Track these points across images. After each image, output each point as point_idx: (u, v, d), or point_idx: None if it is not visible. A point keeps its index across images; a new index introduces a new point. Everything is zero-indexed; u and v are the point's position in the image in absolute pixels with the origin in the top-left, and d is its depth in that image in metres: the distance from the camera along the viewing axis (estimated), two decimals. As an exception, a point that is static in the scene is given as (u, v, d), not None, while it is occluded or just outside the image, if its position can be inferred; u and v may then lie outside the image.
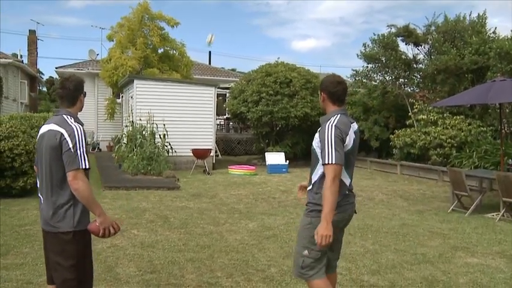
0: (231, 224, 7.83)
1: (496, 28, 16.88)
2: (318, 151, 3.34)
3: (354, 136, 3.40)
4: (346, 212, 3.46)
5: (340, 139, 3.25)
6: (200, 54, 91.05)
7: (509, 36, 14.03)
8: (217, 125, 25.33)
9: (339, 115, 3.38)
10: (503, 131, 14.40)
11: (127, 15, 20.00)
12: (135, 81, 15.29)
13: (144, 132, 14.29)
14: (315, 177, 3.44)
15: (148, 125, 14.36)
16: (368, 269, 5.56)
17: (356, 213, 3.68)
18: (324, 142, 3.23)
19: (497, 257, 6.25)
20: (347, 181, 3.43)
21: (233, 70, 38.45)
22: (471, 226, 8.01)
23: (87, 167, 3.12)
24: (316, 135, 3.40)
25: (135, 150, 13.79)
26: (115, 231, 3.25)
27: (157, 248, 6.22)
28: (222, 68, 36.81)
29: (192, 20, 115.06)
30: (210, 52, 42.11)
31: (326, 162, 3.19)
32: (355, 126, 3.48)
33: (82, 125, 3.28)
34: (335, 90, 3.47)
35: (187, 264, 5.57)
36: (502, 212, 8.67)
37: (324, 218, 3.17)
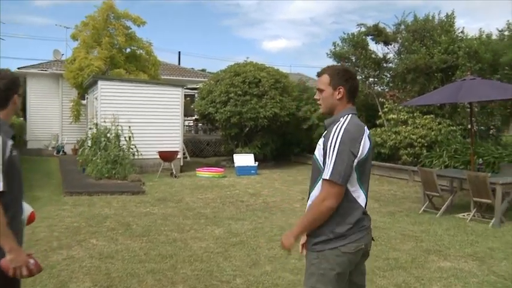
0: (196, 230, 7.48)
1: (464, 28, 16.99)
2: (321, 161, 2.68)
3: (369, 142, 2.72)
4: (360, 241, 2.71)
5: (349, 148, 2.58)
6: (170, 54, 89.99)
7: (477, 36, 14.07)
8: (186, 126, 24.95)
9: (350, 115, 2.71)
10: (472, 130, 14.47)
11: (91, 13, 19.40)
12: (99, 82, 14.78)
13: (108, 135, 13.80)
14: (314, 193, 2.74)
15: (113, 127, 13.88)
16: (338, 277, 5.29)
17: (374, 240, 2.92)
18: (327, 150, 2.60)
19: (469, 259, 6.09)
20: (362, 200, 2.71)
21: (203, 71, 38.04)
22: (443, 227, 7.86)
23: (1, 189, 2.51)
24: (320, 141, 2.73)
25: (99, 153, 13.29)
26: (30, 273, 2.62)
27: (116, 259, 5.84)
28: (192, 68, 36.37)
29: (162, 21, 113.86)
30: (179, 53, 41.85)
31: (324, 176, 2.58)
32: (367, 130, 2.78)
33: (9, 134, 2.69)
34: (354, 83, 2.83)
35: (147, 276, 5.22)
36: (473, 212, 8.58)
37: (293, 230, 2.79)
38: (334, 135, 2.60)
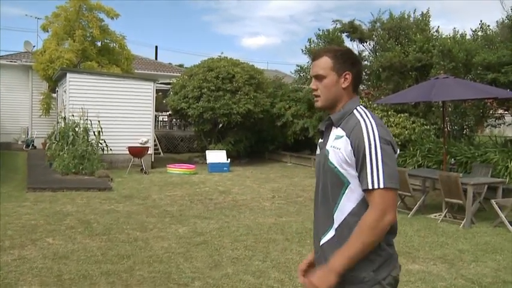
0: (160, 229, 7.20)
1: (439, 27, 16.98)
2: (346, 169, 2.03)
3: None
4: (397, 268, 2.11)
5: (391, 144, 2.03)
6: (148, 49, 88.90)
7: (451, 35, 14.04)
8: (161, 121, 24.59)
9: (363, 108, 2.16)
10: (445, 129, 14.43)
11: (63, 4, 18.88)
12: (68, 75, 14.35)
13: (77, 129, 13.40)
14: (339, 217, 2.07)
15: (82, 121, 13.48)
16: (302, 280, 5.07)
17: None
18: (366, 151, 1.97)
19: (438, 262, 5.94)
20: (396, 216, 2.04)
21: (181, 66, 37.61)
22: (414, 228, 7.72)
23: None
24: (336, 142, 2.07)
25: (66, 148, 12.89)
26: None
27: (71, 260, 5.53)
28: (170, 63, 35.93)
29: (140, 15, 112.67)
30: (156, 47, 41.22)
31: (372, 185, 1.95)
32: None
33: None
34: (360, 68, 2.25)
35: (101, 278, 4.93)
36: (444, 212, 8.49)
37: (335, 265, 1.97)
38: (368, 128, 2.00)
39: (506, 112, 14.24)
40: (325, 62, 2.15)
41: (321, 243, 2.15)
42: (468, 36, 14.24)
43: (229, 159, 15.04)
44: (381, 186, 1.93)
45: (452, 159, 9.98)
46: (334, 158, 2.05)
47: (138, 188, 11.09)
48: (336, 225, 2.07)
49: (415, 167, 11.94)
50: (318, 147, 2.29)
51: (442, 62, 12.73)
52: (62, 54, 17.59)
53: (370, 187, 1.94)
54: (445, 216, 8.46)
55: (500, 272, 5.63)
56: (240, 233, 7.07)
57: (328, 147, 2.10)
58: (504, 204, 8.11)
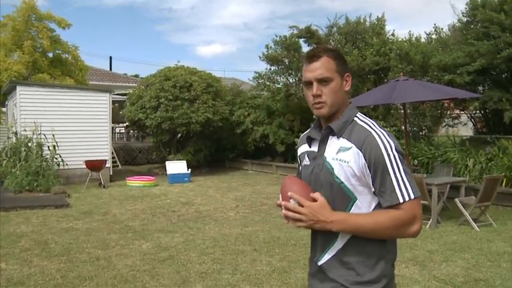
0: (123, 246, 6.87)
1: (394, 30, 17.23)
2: (354, 184, 1.87)
3: None
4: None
5: (403, 155, 1.90)
6: (102, 60, 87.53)
7: (407, 39, 14.25)
8: (118, 133, 24.04)
9: (367, 117, 2.01)
10: (406, 131, 14.60)
11: (10, 13, 18.21)
12: (18, 88, 13.76)
13: (30, 144, 12.85)
14: (345, 235, 1.90)
15: (35, 136, 12.94)
16: (275, 292, 4.90)
17: None
18: (386, 164, 1.82)
19: (410, 264, 5.88)
20: None
21: (136, 76, 37.08)
22: (381, 231, 7.65)
23: None
24: (343, 155, 1.89)
25: (18, 164, 12.32)
26: None
27: (27, 286, 5.16)
28: (125, 74, 35.32)
29: (93, 25, 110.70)
30: (110, 58, 40.54)
31: (402, 199, 1.80)
32: None
33: None
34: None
35: (62, 303, 4.61)
36: (411, 214, 8.45)
37: (337, 215, 1.84)
38: (384, 141, 1.84)
39: (462, 112, 14.54)
40: (328, 63, 1.92)
41: (319, 262, 1.98)
42: (423, 40, 14.52)
43: (189, 170, 14.75)
44: (412, 197, 1.80)
45: (415, 160, 10.05)
46: (341, 173, 1.87)
47: (97, 203, 10.68)
48: (345, 237, 1.89)
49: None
50: (305, 156, 2.08)
51: (399, 65, 12.88)
52: (10, 66, 16.95)
53: (401, 201, 1.80)
54: (411, 217, 8.45)
55: (470, 270, 5.62)
56: (207, 245, 6.83)
57: (330, 159, 1.91)
58: (467, 202, 8.19)
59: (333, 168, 1.89)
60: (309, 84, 1.95)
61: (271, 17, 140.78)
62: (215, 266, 5.83)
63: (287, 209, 1.86)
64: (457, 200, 8.24)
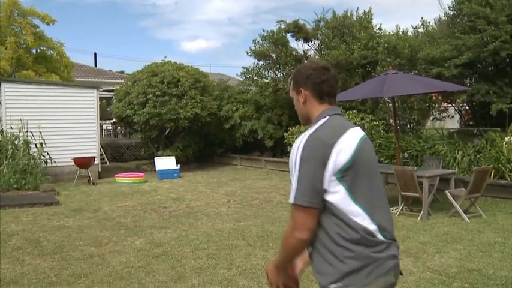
0: (116, 242, 6.84)
1: (381, 24, 17.31)
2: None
3: (355, 146, 2.04)
4: (381, 278, 2.02)
5: (315, 159, 1.98)
6: (86, 56, 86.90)
7: (395, 32, 14.32)
8: (105, 130, 23.87)
9: (326, 118, 2.12)
10: (396, 124, 14.70)
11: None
12: (3, 85, 13.57)
13: (16, 142, 12.71)
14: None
15: (22, 134, 12.80)
16: (272, 286, 4.90)
17: (402, 275, 2.19)
18: (293, 167, 2.02)
19: (403, 256, 5.91)
20: (358, 217, 1.99)
21: (121, 72, 36.80)
22: (373, 224, 7.69)
23: None
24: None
25: (5, 162, 12.18)
26: None
27: (20, 284, 5.11)
28: (110, 70, 35.06)
29: (76, 21, 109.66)
30: (95, 54, 40.21)
31: (290, 200, 2.00)
32: (355, 131, 2.13)
33: None
34: (323, 79, 2.18)
35: (57, 301, 4.58)
36: (401, 206, 8.55)
37: (274, 261, 2.20)
38: (298, 145, 2.03)
39: (450, 105, 14.67)
40: (291, 86, 2.28)
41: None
42: (410, 33, 14.60)
43: (179, 165, 14.71)
44: (292, 202, 1.99)
45: (406, 154, 10.11)
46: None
47: (87, 200, 10.60)
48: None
49: (367, 163, 12.04)
50: None
51: (387, 58, 12.94)
52: (-7, 62, 16.71)
53: (291, 202, 2.00)
54: (402, 209, 8.53)
55: (463, 261, 5.69)
56: (200, 241, 6.82)
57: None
58: (457, 194, 8.29)
59: None
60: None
61: (255, 12, 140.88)
62: (210, 261, 5.83)
63: None
64: (447, 192, 8.34)
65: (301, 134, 2.10)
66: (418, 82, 8.89)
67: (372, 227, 2.01)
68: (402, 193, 8.44)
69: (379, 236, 2.04)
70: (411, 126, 14.49)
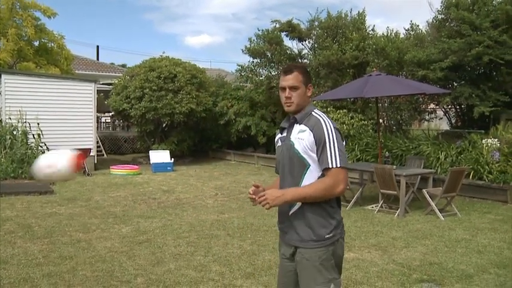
0: (103, 229, 7.22)
1: (374, 26, 17.61)
2: (305, 154, 2.67)
3: None
4: (343, 231, 2.84)
5: (341, 136, 2.70)
6: (89, 49, 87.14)
7: (385, 34, 14.61)
8: (103, 122, 24.23)
9: (315, 109, 2.81)
10: (382, 124, 15.01)
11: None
12: (3, 76, 13.94)
13: (14, 132, 13.08)
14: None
15: (20, 124, 13.18)
16: (243, 272, 5.27)
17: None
18: (326, 140, 2.61)
19: (373, 249, 6.27)
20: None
21: (123, 66, 37.05)
22: (351, 219, 8.05)
23: None
24: (302, 134, 2.69)
25: (3, 152, 12.57)
26: None
27: (10, 264, 5.49)
28: (112, 63, 35.33)
29: (81, 14, 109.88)
30: (97, 47, 40.39)
31: (331, 164, 2.58)
32: None
33: None
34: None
35: (43, 280, 4.94)
36: (381, 203, 8.87)
37: (286, 195, 2.62)
38: (327, 125, 2.65)
39: (437, 107, 14.98)
40: (297, 76, 2.75)
41: (290, 213, 2.74)
42: (402, 35, 14.89)
43: (172, 159, 15.08)
44: (338, 165, 2.59)
45: (387, 152, 10.43)
46: (299, 147, 2.68)
47: (81, 190, 10.98)
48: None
49: (353, 161, 12.39)
50: (278, 140, 2.91)
51: (376, 59, 13.25)
52: (-6, 54, 17.06)
53: (330, 166, 2.59)
54: (381, 207, 8.85)
55: (427, 255, 6.02)
56: (183, 230, 7.20)
57: (292, 138, 2.72)
58: (434, 193, 8.59)
59: (293, 143, 2.71)
60: (283, 89, 2.78)
61: (259, 8, 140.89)
62: (189, 248, 6.20)
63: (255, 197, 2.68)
64: (424, 190, 8.67)
65: (317, 117, 2.71)
66: (399, 84, 9.22)
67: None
68: (381, 191, 8.77)
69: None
70: (399, 126, 14.81)
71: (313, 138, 2.64)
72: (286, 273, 2.86)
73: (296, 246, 2.75)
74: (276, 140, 2.96)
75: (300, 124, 2.73)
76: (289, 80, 2.75)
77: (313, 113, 2.75)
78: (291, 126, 2.78)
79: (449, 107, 14.58)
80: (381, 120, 14.92)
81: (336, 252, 2.75)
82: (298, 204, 2.69)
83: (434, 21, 13.70)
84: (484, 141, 10.31)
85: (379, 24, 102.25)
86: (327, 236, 2.68)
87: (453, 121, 15.15)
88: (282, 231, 2.88)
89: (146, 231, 7.12)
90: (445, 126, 17.86)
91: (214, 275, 5.16)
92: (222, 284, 4.89)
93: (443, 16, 13.20)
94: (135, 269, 5.34)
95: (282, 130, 2.89)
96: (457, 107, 14.21)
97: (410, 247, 6.41)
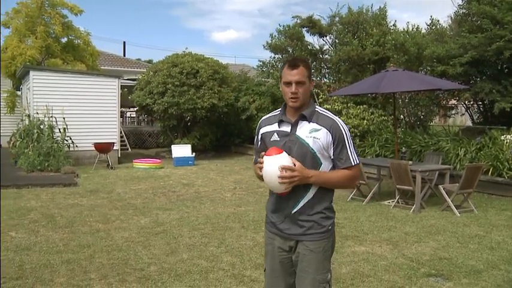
0: (122, 220, 7.47)
1: (395, 21, 17.51)
2: (323, 154, 2.72)
3: None
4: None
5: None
6: (117, 45, 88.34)
7: (405, 29, 14.54)
8: (128, 117, 24.68)
9: (316, 105, 2.87)
10: (403, 119, 14.97)
11: (24, 0, 18.75)
12: (31, 72, 14.38)
13: (42, 126, 13.49)
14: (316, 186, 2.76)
15: (47, 119, 13.58)
16: (253, 263, 5.42)
17: None
18: (345, 139, 2.72)
19: (384, 244, 6.34)
20: None
21: (149, 62, 37.51)
22: (366, 214, 8.12)
23: None
24: (315, 134, 2.70)
25: (31, 145, 12.98)
26: None
27: (33, 251, 5.76)
28: (138, 59, 35.78)
29: (108, 11, 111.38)
30: (124, 43, 41.01)
31: (352, 162, 2.73)
32: None
33: None
34: None
35: (61, 266, 5.19)
36: (397, 198, 8.90)
37: (310, 175, 2.65)
38: (342, 126, 2.73)
39: (458, 103, 14.84)
40: (303, 71, 2.72)
41: (293, 212, 2.74)
42: (424, 30, 14.79)
43: (194, 153, 15.32)
44: (357, 162, 2.76)
45: (403, 148, 10.43)
46: (314, 146, 2.68)
47: (103, 182, 11.29)
48: (315, 189, 2.73)
49: (373, 157, 12.42)
50: (274, 134, 2.82)
51: (395, 55, 13.21)
52: (24, 51, 17.55)
53: (353, 164, 2.73)
54: (397, 202, 8.89)
55: (438, 250, 6.06)
56: (199, 222, 7.39)
57: (304, 137, 2.70)
58: (450, 189, 8.59)
59: (308, 144, 2.68)
60: (288, 84, 2.71)
61: (285, 3, 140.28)
62: (203, 239, 6.38)
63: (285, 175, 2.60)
64: (440, 186, 8.66)
65: (329, 115, 2.78)
66: (415, 79, 9.21)
67: None
68: (397, 186, 8.81)
69: None
70: (420, 122, 14.73)
71: (331, 139, 2.68)
72: (280, 262, 2.86)
73: (298, 240, 2.77)
74: (264, 132, 2.89)
75: (310, 122, 2.71)
76: (296, 75, 2.69)
77: (318, 110, 2.76)
78: (297, 123, 2.73)
79: (471, 102, 14.43)
80: (402, 116, 14.89)
81: (334, 243, 2.88)
82: (301, 203, 2.73)
83: (456, 15, 13.58)
84: (503, 137, 10.22)
85: (406, 19, 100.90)
86: (330, 227, 2.79)
87: (475, 117, 14.98)
88: (278, 228, 2.84)
89: (163, 222, 7.33)
90: (470, 122, 17.68)
91: (224, 265, 5.32)
92: (231, 274, 5.05)
93: (464, 11, 13.08)
94: (149, 258, 5.55)
95: (280, 123, 2.81)
96: (479, 102, 14.06)
97: (422, 242, 6.45)
